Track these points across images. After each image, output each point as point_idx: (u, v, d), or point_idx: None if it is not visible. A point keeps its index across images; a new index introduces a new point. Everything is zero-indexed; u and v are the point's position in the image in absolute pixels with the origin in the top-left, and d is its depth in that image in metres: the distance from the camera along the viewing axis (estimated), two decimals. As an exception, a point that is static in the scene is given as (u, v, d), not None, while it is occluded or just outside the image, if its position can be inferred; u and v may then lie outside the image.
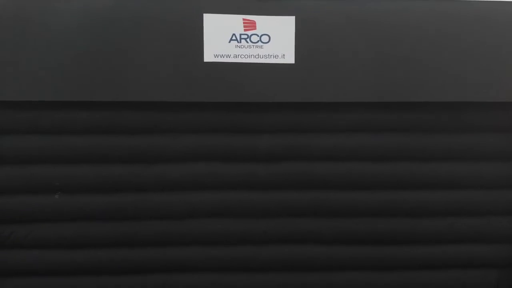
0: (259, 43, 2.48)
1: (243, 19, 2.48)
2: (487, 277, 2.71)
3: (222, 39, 2.47)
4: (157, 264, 2.66)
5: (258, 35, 2.48)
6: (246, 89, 2.49)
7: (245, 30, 2.48)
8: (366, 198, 2.63)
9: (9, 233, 2.51)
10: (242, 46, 2.48)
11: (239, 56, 2.48)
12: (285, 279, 2.70)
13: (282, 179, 2.61)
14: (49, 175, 2.54)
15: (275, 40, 2.48)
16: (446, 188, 2.63)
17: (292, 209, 2.63)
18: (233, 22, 2.47)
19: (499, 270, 2.70)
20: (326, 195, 2.62)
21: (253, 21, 2.48)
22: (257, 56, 2.49)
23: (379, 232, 2.64)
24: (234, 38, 2.48)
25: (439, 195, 2.63)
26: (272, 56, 2.49)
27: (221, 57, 2.48)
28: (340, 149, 2.60)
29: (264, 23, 2.48)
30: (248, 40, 2.48)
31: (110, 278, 2.66)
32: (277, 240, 2.65)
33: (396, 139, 2.61)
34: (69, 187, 2.54)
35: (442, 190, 2.63)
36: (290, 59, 2.48)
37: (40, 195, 2.54)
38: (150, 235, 2.62)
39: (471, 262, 2.69)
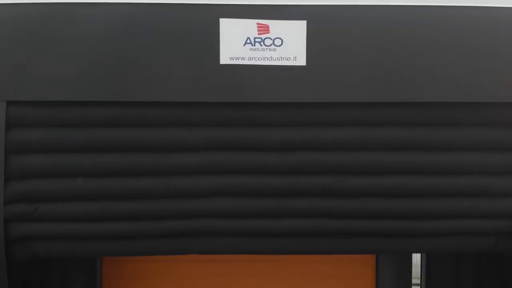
0: (272, 46, 2.62)
1: (257, 24, 2.61)
2: (487, 241, 2.91)
3: (237, 42, 2.60)
4: (177, 232, 2.84)
5: (271, 39, 2.61)
6: (260, 89, 2.62)
7: (259, 34, 2.62)
8: (374, 182, 2.78)
9: (33, 209, 2.71)
10: (256, 49, 2.61)
11: (253, 58, 2.62)
12: (298, 244, 2.91)
13: (293, 166, 2.75)
14: (75, 162, 2.70)
15: (288, 43, 2.61)
16: (445, 174, 2.80)
17: (302, 190, 2.78)
18: (248, 26, 2.61)
19: (496, 236, 2.88)
20: (334, 179, 2.77)
21: (267, 25, 2.62)
22: (270, 59, 2.62)
23: (385, 209, 2.80)
24: (248, 41, 2.61)
25: (439, 180, 2.79)
26: (284, 59, 2.62)
27: (236, 59, 2.61)
28: (345, 141, 2.75)
29: (277, 27, 2.61)
30: (262, 43, 2.61)
31: (132, 242, 2.87)
32: (290, 214, 2.82)
33: (399, 133, 2.75)
34: (92, 173, 2.71)
35: (443, 176, 2.79)
36: (301, 61, 2.62)
37: (65, 179, 2.72)
38: (167, 210, 2.79)
39: (473, 231, 2.88)
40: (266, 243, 2.89)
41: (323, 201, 2.80)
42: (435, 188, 2.79)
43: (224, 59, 2.60)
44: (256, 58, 2.62)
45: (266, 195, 2.79)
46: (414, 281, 4.07)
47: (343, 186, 2.78)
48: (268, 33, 2.62)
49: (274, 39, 2.62)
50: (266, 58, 2.62)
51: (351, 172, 2.78)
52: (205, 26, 2.58)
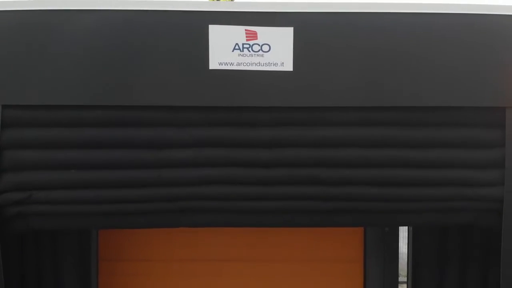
0: (260, 52, 2.69)
1: (245, 30, 2.68)
2: (468, 217, 3.05)
3: (226, 48, 2.67)
4: (168, 210, 2.97)
5: (259, 45, 2.69)
6: (248, 94, 2.70)
7: (247, 40, 2.69)
8: (363, 173, 2.88)
9: (28, 195, 2.82)
10: (244, 55, 2.68)
11: (242, 64, 2.69)
12: (284, 218, 3.06)
13: (282, 161, 2.84)
14: (67, 157, 2.80)
15: (275, 49, 2.69)
16: (432, 167, 2.90)
17: (290, 179, 2.88)
18: (236, 32, 2.68)
19: (477, 212, 3.01)
20: (319, 171, 2.87)
21: (255, 31, 2.69)
22: (258, 64, 2.69)
23: (373, 194, 2.92)
24: (237, 47, 2.68)
25: (426, 172, 2.90)
26: (272, 64, 2.69)
27: (225, 64, 2.68)
28: (333, 139, 2.83)
29: (265, 33, 2.68)
30: (250, 49, 2.68)
31: (126, 217, 3.01)
32: (279, 198, 2.94)
33: (387, 132, 2.83)
34: (84, 166, 2.81)
35: (430, 169, 2.90)
36: (288, 66, 2.69)
37: (58, 171, 2.82)
38: (158, 195, 2.90)
39: (456, 209, 3.03)
40: (253, 218, 3.04)
41: (310, 188, 2.90)
42: (422, 178, 2.91)
43: (213, 64, 2.67)
44: (244, 64, 2.69)
45: (254, 183, 2.91)
46: (401, 278, 4.17)
47: (331, 176, 2.87)
48: (256, 39, 2.69)
49: (262, 45, 2.69)
50: (254, 64, 2.69)
51: (340, 165, 2.87)
52: (195, 32, 2.65)
